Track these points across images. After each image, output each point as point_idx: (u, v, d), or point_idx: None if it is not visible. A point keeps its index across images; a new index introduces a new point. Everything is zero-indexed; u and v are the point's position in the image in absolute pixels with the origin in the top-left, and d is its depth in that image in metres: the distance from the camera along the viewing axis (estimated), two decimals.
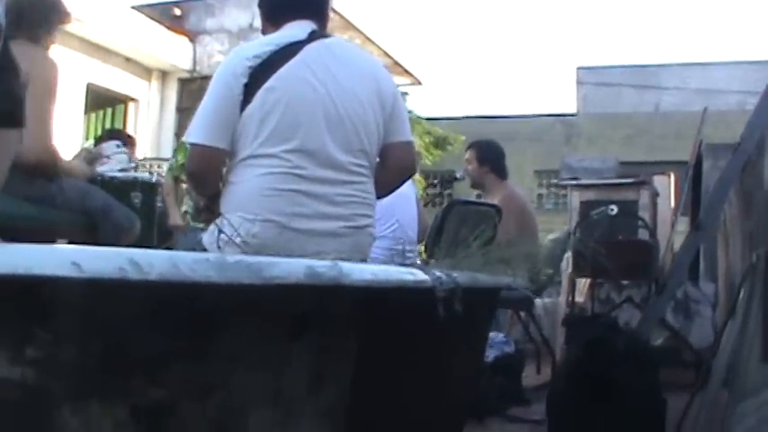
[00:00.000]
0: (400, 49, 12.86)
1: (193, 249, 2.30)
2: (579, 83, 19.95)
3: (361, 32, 11.29)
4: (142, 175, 4.47)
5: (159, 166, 6.72)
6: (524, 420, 3.77)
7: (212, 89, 2.46)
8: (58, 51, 3.35)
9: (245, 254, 1.58)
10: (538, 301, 5.13)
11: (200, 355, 1.17)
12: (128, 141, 5.04)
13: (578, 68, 20.32)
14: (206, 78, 2.50)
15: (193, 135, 2.45)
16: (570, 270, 5.36)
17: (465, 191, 6.97)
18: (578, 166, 7.15)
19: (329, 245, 2.30)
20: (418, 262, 2.99)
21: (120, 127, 10.50)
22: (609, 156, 8.37)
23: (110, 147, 4.17)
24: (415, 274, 1.57)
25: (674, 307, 5.29)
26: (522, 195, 5.59)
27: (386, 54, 11.77)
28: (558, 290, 5.97)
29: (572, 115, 19.56)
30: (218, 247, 1.96)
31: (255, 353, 1.26)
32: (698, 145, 6.50)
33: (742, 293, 3.35)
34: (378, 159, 2.60)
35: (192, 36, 11.47)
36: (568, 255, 5.30)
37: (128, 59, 10.73)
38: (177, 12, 11.57)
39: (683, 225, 6.56)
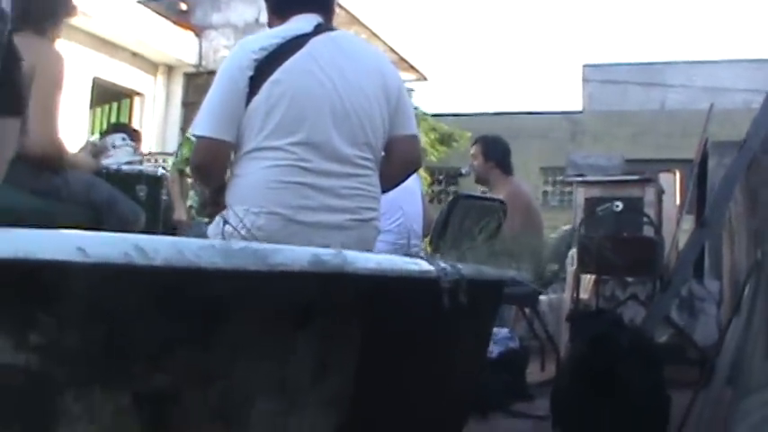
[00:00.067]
0: (406, 45, 12.86)
1: None
2: (585, 80, 19.90)
3: (367, 28, 11.27)
4: (147, 168, 4.47)
5: (165, 161, 6.72)
6: (528, 416, 3.77)
7: (218, 82, 2.46)
8: (64, 45, 3.35)
9: None
10: (542, 297, 5.13)
11: (204, 342, 1.17)
12: (133, 136, 5.04)
13: (584, 66, 20.28)
14: (212, 73, 2.50)
15: (199, 127, 2.46)
16: (575, 266, 5.36)
17: (470, 187, 6.97)
18: (584, 163, 7.14)
19: (334, 238, 2.30)
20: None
21: (126, 121, 10.50)
22: (614, 153, 8.36)
23: (115, 139, 4.17)
24: (419, 265, 1.57)
25: (679, 305, 5.29)
26: (528, 191, 5.59)
27: (391, 50, 11.76)
28: (563, 286, 5.97)
29: (578, 112, 19.50)
30: (223, 239, 1.97)
31: (260, 341, 1.27)
32: (703, 143, 6.49)
33: (746, 290, 3.35)
34: (383, 153, 2.60)
35: (198, 31, 11.47)
36: (573, 251, 5.30)
37: (134, 54, 10.73)
38: (183, 6, 11.58)
39: (689, 223, 6.55)
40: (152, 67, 11.27)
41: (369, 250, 2.48)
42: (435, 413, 2.07)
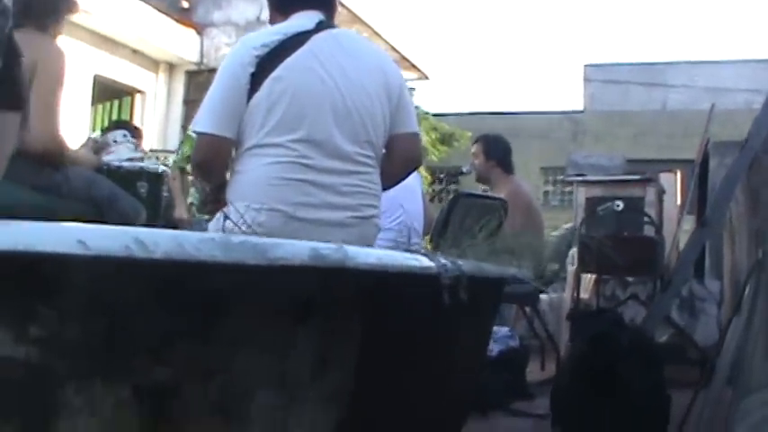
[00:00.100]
0: (407, 44, 12.85)
1: None
2: (586, 80, 19.90)
3: (369, 26, 11.27)
4: (148, 164, 4.47)
5: (165, 158, 6.72)
6: (528, 414, 3.77)
7: (219, 78, 2.46)
8: (65, 42, 3.35)
9: None
10: (543, 296, 5.13)
11: (204, 336, 1.17)
12: (135, 133, 5.03)
13: (586, 65, 20.27)
14: (213, 71, 2.50)
15: (200, 124, 2.46)
16: (575, 266, 5.36)
17: (470, 185, 6.96)
18: (585, 162, 7.14)
19: (335, 235, 2.29)
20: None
21: (127, 119, 10.50)
22: (616, 153, 8.36)
23: (116, 136, 4.17)
24: (420, 260, 1.57)
25: (680, 305, 5.29)
26: (529, 190, 5.59)
27: (393, 48, 11.75)
28: (563, 285, 5.96)
29: (579, 112, 19.51)
30: None
31: (260, 335, 1.26)
32: (705, 143, 6.48)
33: (747, 290, 3.34)
34: (384, 151, 2.61)
35: (200, 29, 11.46)
36: (574, 250, 5.30)
37: (135, 51, 10.73)
38: (185, 4, 11.57)
39: (690, 223, 6.54)
40: (153, 64, 11.26)
41: (369, 247, 2.48)
42: (435, 410, 2.07)
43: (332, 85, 2.44)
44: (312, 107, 2.40)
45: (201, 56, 11.38)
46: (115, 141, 4.04)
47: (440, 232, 3.71)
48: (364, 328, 1.51)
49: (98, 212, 3.26)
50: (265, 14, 2.80)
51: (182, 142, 6.43)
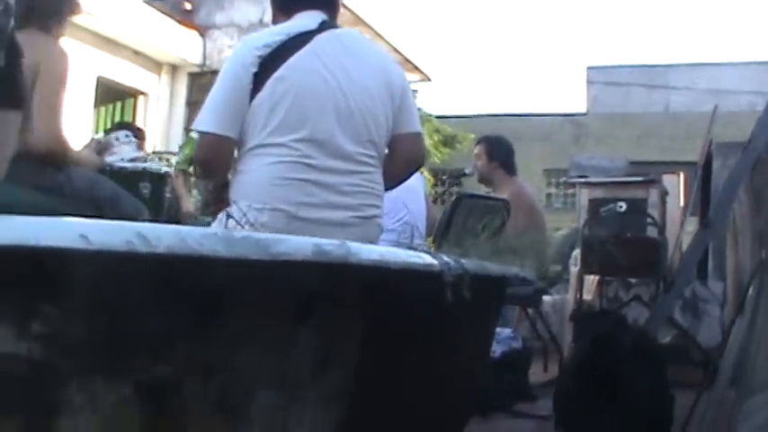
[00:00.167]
0: (410, 46, 12.86)
1: None
2: (589, 82, 19.89)
3: (371, 28, 11.28)
4: (151, 165, 4.47)
5: (168, 160, 6.73)
6: (531, 416, 3.77)
7: (222, 78, 2.46)
8: (68, 44, 3.35)
9: None
10: (546, 298, 5.13)
11: (205, 333, 1.17)
12: (138, 134, 5.04)
13: (588, 68, 20.27)
14: (216, 73, 2.50)
15: (202, 123, 2.45)
16: (578, 267, 5.35)
17: (473, 187, 6.96)
18: (587, 164, 7.14)
19: (337, 235, 2.28)
20: None
21: (130, 120, 10.52)
22: (618, 155, 8.36)
23: (119, 135, 4.17)
24: (422, 258, 1.56)
25: (683, 306, 5.27)
26: (531, 192, 5.59)
27: (396, 50, 11.76)
28: (566, 287, 5.96)
29: (581, 115, 19.51)
30: None
31: (261, 333, 1.26)
32: (708, 144, 6.48)
33: (750, 291, 3.34)
34: (386, 151, 2.60)
35: (203, 30, 11.48)
36: (577, 252, 5.30)
37: (138, 53, 10.75)
38: (187, 6, 11.60)
39: (693, 225, 6.54)
40: (156, 66, 11.28)
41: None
42: (437, 410, 2.07)
43: (335, 85, 2.44)
44: (315, 107, 2.40)
45: (204, 57, 11.40)
46: (117, 140, 4.04)
47: (443, 233, 3.70)
48: (366, 328, 1.51)
49: (100, 213, 3.26)
50: (268, 16, 2.80)
51: (181, 145, 6.44)
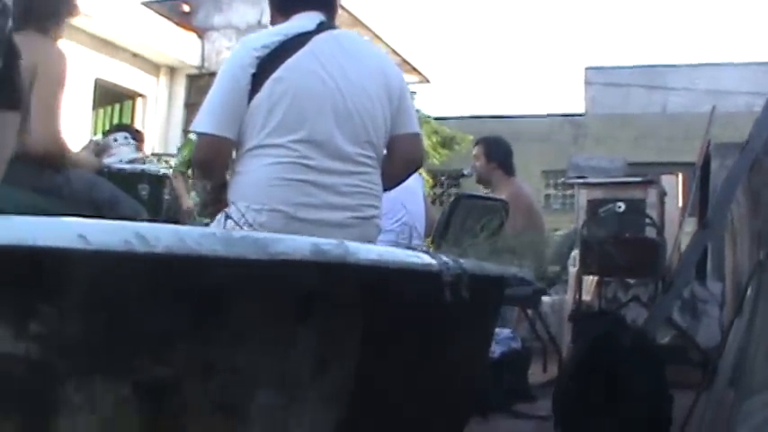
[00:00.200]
0: (409, 47, 12.88)
1: None
2: (587, 83, 19.90)
3: (370, 30, 11.30)
4: (150, 167, 4.47)
5: (167, 162, 6.74)
6: (530, 416, 3.77)
7: (220, 79, 2.46)
8: (66, 46, 3.35)
9: None
10: (545, 298, 5.13)
11: (205, 332, 1.16)
12: (136, 136, 5.04)
13: (587, 68, 20.27)
14: (214, 75, 2.51)
15: (201, 124, 2.45)
16: (577, 268, 5.35)
17: (472, 188, 6.96)
18: (586, 164, 7.15)
19: (336, 235, 2.27)
20: None
21: (128, 122, 10.52)
22: (616, 155, 8.36)
23: (117, 137, 4.17)
24: (421, 258, 1.56)
25: (682, 307, 5.27)
26: (529, 192, 5.59)
27: (394, 52, 11.78)
28: (565, 288, 5.96)
29: (580, 115, 19.52)
30: None
31: (260, 333, 1.26)
32: (706, 145, 6.48)
33: (749, 291, 3.34)
34: (385, 151, 2.60)
35: (201, 32, 11.50)
36: (575, 252, 5.30)
37: (136, 55, 10.76)
38: (186, 8, 11.61)
39: (691, 226, 6.54)
40: (154, 68, 11.29)
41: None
42: (436, 410, 2.07)
43: (333, 85, 2.44)
44: (313, 108, 2.40)
45: (202, 59, 11.41)
46: (115, 141, 4.04)
47: (441, 233, 3.70)
48: (365, 328, 1.51)
49: (99, 215, 3.25)
50: (266, 18, 2.81)
51: (179, 147, 6.45)
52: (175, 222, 4.95)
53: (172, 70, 11.51)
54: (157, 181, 4.29)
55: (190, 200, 5.70)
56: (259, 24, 10.64)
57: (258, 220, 2.15)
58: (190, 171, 5.69)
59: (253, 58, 2.41)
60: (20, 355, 1.01)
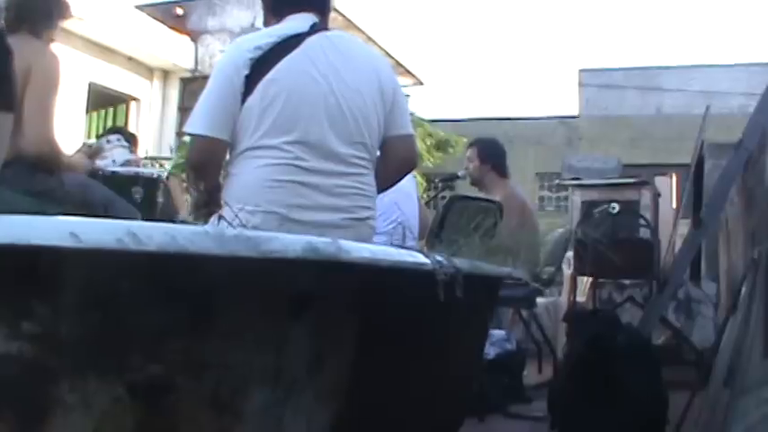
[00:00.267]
0: (402, 50, 12.89)
1: None
2: (581, 85, 19.91)
3: (364, 32, 11.31)
4: (143, 170, 4.47)
5: (161, 165, 6.73)
6: (525, 417, 3.77)
7: (213, 80, 2.46)
8: (60, 50, 3.35)
9: None
10: (539, 299, 5.12)
11: (198, 330, 1.16)
12: (130, 140, 5.03)
13: (580, 70, 20.27)
14: (207, 78, 2.51)
15: (194, 126, 2.45)
16: (572, 269, 5.35)
17: (465, 190, 6.96)
18: (580, 166, 7.15)
19: (330, 236, 2.29)
20: None
21: (122, 126, 10.51)
22: (610, 156, 8.36)
23: (110, 139, 4.17)
24: (415, 256, 1.56)
25: (676, 307, 5.29)
26: (523, 194, 5.58)
27: (388, 54, 11.78)
28: (560, 289, 5.96)
29: (574, 117, 19.54)
30: None
31: (254, 331, 1.26)
32: (699, 145, 6.49)
33: (743, 290, 3.34)
34: (378, 153, 2.60)
35: (194, 36, 11.50)
36: (570, 254, 5.30)
37: (130, 59, 10.76)
38: (179, 11, 11.61)
39: (685, 228, 6.54)
40: (148, 71, 11.28)
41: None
42: (432, 408, 2.07)
43: (326, 87, 2.43)
44: (306, 109, 2.40)
45: (196, 63, 11.41)
46: (109, 142, 4.04)
47: (435, 234, 3.70)
48: (360, 325, 1.51)
49: (92, 217, 3.25)
50: (259, 21, 2.81)
51: (172, 150, 6.45)
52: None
53: (165, 73, 11.51)
54: (151, 183, 4.29)
55: (185, 202, 5.68)
56: (252, 27, 10.63)
57: (252, 221, 2.14)
58: (184, 175, 5.68)
59: (246, 59, 2.41)
60: (13, 354, 1.01)
